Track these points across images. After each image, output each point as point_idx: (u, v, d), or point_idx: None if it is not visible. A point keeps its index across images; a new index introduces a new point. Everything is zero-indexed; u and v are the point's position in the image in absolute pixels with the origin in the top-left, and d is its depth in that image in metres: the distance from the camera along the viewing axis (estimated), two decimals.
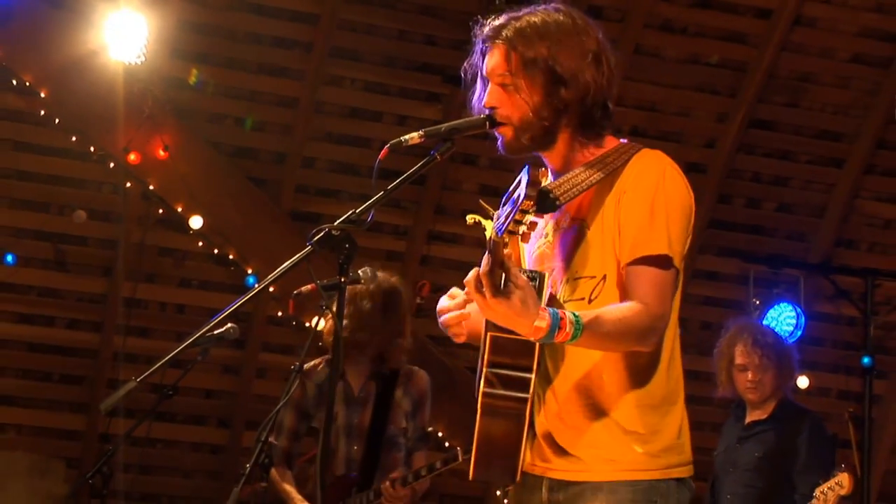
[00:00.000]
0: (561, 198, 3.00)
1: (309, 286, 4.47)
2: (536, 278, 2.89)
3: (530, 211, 2.81)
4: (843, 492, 5.61)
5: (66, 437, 8.94)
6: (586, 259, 3.07)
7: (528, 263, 3.19)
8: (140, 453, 8.63)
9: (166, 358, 3.29)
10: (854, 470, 5.75)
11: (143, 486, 8.91)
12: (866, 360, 8.74)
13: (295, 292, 4.53)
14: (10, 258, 8.47)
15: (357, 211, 3.14)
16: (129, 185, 8.41)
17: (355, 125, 8.72)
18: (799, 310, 8.84)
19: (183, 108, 8.37)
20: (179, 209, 8.40)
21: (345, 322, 4.44)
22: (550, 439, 3.10)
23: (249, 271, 8.61)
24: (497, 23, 3.13)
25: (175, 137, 8.24)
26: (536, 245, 3.19)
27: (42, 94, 8.07)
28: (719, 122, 8.93)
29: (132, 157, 8.11)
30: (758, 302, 8.91)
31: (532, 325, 2.78)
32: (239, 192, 8.60)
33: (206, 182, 8.51)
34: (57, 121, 8.17)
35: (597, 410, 3.06)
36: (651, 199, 3.03)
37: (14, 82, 8.04)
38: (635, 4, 8.46)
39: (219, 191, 8.54)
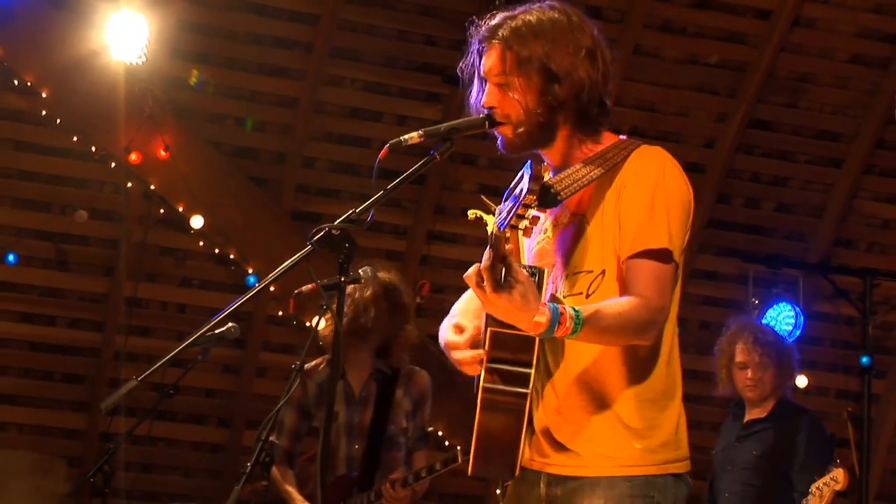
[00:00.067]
0: (562, 193, 3.01)
1: (309, 286, 4.48)
2: (536, 274, 2.90)
3: (533, 205, 2.81)
4: (838, 487, 5.62)
5: (67, 436, 8.96)
6: (585, 254, 3.09)
7: (527, 259, 3.21)
8: (141, 452, 8.66)
9: (167, 357, 3.29)
10: (849, 465, 5.77)
11: (144, 485, 8.92)
12: (865, 359, 8.74)
13: (295, 292, 4.54)
14: (11, 258, 8.49)
15: (357, 210, 3.15)
16: (130, 184, 8.42)
17: (355, 125, 8.74)
18: (798, 309, 8.86)
19: (184, 108, 8.38)
20: (180, 209, 8.42)
21: (344, 315, 4.45)
22: (549, 435, 3.11)
23: (250, 271, 8.62)
24: (493, 22, 3.14)
25: (176, 137, 8.25)
26: (536, 240, 3.20)
27: (43, 94, 8.08)
28: (718, 122, 8.94)
29: (133, 156, 8.13)
30: (757, 301, 8.93)
31: (532, 319, 2.79)
32: (239, 191, 8.61)
33: (207, 182, 8.52)
34: (58, 121, 8.19)
35: (596, 405, 3.08)
36: (651, 194, 3.04)
37: (15, 82, 8.05)
38: (634, 5, 8.47)
39: (219, 190, 8.56)
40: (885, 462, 9.47)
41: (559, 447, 3.10)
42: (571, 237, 3.11)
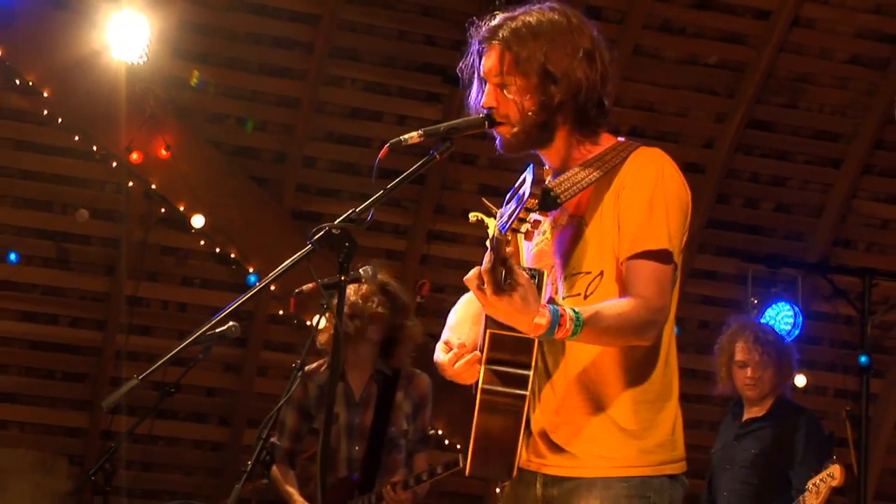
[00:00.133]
0: (561, 196, 3.03)
1: (310, 285, 4.51)
2: (536, 276, 2.90)
3: (535, 209, 2.81)
4: (834, 483, 5.64)
5: (68, 435, 8.98)
6: (584, 255, 3.10)
7: (526, 260, 3.21)
8: (142, 450, 8.66)
9: (168, 356, 3.29)
10: (846, 462, 5.78)
11: (145, 483, 8.93)
12: (863, 359, 8.76)
13: (296, 291, 4.56)
14: (13, 257, 8.50)
15: (357, 210, 3.16)
16: (131, 184, 8.44)
17: (355, 125, 8.75)
18: (797, 309, 8.87)
19: (184, 107, 8.40)
20: (181, 208, 8.44)
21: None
22: (545, 436, 3.13)
23: (251, 270, 8.64)
24: (493, 23, 3.15)
25: (177, 137, 8.27)
26: (535, 242, 3.21)
27: (45, 94, 8.10)
28: (718, 122, 8.95)
29: (134, 156, 8.15)
30: (756, 301, 8.94)
31: (532, 321, 2.81)
32: (240, 191, 8.63)
33: (208, 181, 8.54)
34: (60, 120, 8.21)
35: (593, 406, 3.09)
36: (650, 195, 3.05)
37: (17, 82, 8.07)
38: (634, 5, 8.49)
39: (220, 190, 8.58)
40: (884, 461, 9.49)
41: (556, 448, 3.12)
42: (570, 239, 3.12)
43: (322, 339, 5.62)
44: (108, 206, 8.64)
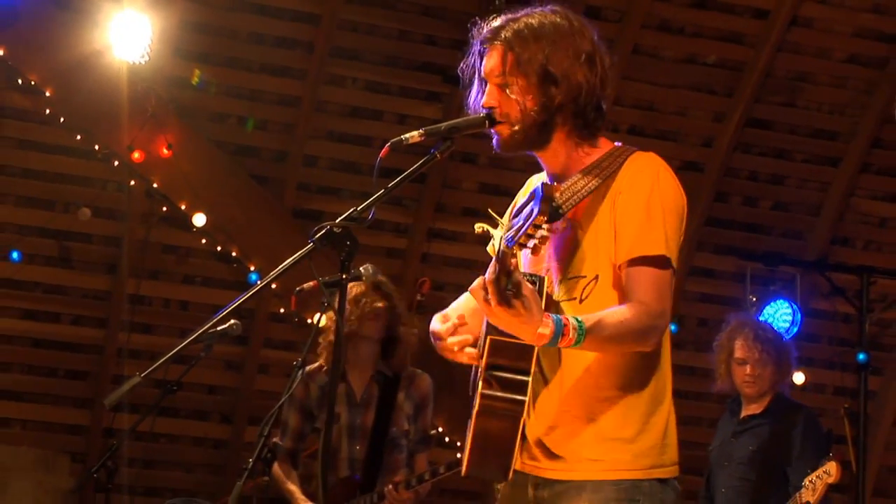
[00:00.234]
0: (563, 206, 3.05)
1: (311, 283, 4.51)
2: (536, 282, 2.95)
3: (542, 226, 2.87)
4: (830, 480, 5.64)
5: (70, 432, 9.00)
6: (579, 260, 3.12)
7: (523, 264, 3.22)
8: (144, 448, 8.69)
9: (170, 354, 3.30)
10: (842, 459, 5.80)
11: (146, 480, 8.95)
12: (861, 356, 8.79)
13: (297, 289, 4.57)
14: (15, 255, 8.52)
15: (358, 208, 3.16)
16: (132, 182, 8.47)
17: (356, 124, 8.78)
18: (795, 307, 8.88)
19: (186, 107, 8.42)
20: (183, 207, 8.46)
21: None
22: (539, 439, 3.14)
23: (252, 268, 8.66)
24: (495, 24, 3.17)
25: (178, 136, 8.29)
26: (531, 245, 3.24)
27: (47, 93, 8.12)
28: (716, 121, 8.97)
29: (136, 155, 8.18)
30: (754, 299, 8.95)
31: (536, 332, 2.83)
32: (241, 190, 8.65)
33: (209, 180, 8.56)
34: (62, 119, 8.23)
35: (587, 410, 3.10)
36: (646, 201, 3.07)
37: (20, 81, 8.10)
38: (633, 5, 8.51)
39: (221, 189, 8.60)
40: (882, 458, 9.51)
41: (548, 452, 3.14)
42: (566, 243, 3.14)
43: (322, 342, 5.64)
44: (110, 204, 8.66)
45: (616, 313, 2.97)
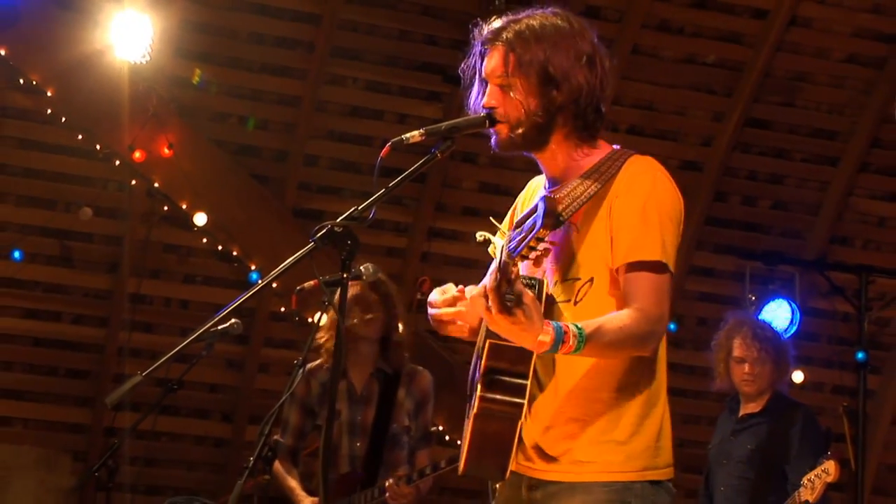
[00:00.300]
0: (563, 213, 3.06)
1: (311, 282, 4.53)
2: (535, 285, 2.98)
3: (545, 238, 2.91)
4: (829, 479, 5.64)
5: (72, 431, 9.01)
6: (575, 263, 3.13)
7: (522, 269, 3.21)
8: (145, 446, 8.69)
9: (171, 353, 3.32)
10: (841, 458, 5.81)
11: (147, 479, 8.95)
12: (860, 355, 8.80)
13: (298, 288, 4.58)
14: (16, 254, 8.53)
15: (359, 208, 3.18)
16: (134, 182, 8.47)
17: (357, 123, 8.79)
18: (794, 306, 8.88)
19: (187, 106, 8.44)
20: (184, 206, 8.47)
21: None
22: (534, 440, 3.15)
23: (253, 267, 8.67)
24: (496, 25, 3.19)
25: (179, 135, 8.30)
26: None
27: (49, 93, 8.13)
28: (716, 120, 8.98)
29: (137, 154, 8.19)
30: (753, 298, 8.95)
31: (536, 339, 2.85)
32: (242, 189, 8.66)
33: (210, 179, 8.58)
34: (63, 119, 8.24)
35: (581, 413, 3.12)
36: (643, 205, 3.08)
37: (21, 81, 8.10)
38: (633, 5, 8.52)
39: (222, 188, 8.61)
40: (881, 457, 9.52)
41: (542, 452, 3.15)
42: (564, 246, 3.15)
43: (322, 339, 5.65)
44: (111, 204, 8.67)
45: (615, 319, 2.99)
